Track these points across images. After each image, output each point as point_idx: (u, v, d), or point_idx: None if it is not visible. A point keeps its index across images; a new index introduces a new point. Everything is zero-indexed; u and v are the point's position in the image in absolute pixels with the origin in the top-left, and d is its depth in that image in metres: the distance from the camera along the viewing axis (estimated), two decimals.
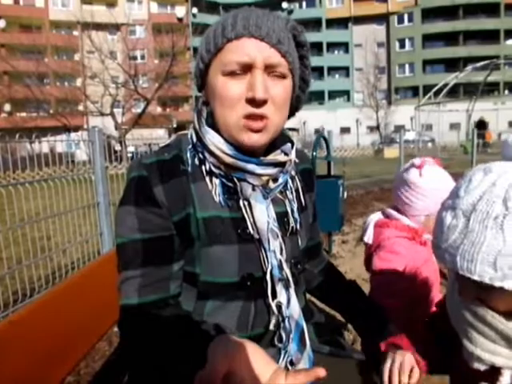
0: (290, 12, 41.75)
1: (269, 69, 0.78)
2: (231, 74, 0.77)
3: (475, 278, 0.63)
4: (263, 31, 0.76)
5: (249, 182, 0.83)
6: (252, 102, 0.77)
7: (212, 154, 0.82)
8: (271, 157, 0.85)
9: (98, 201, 3.21)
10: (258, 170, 0.83)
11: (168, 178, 0.82)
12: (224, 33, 0.77)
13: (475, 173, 0.68)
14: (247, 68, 0.77)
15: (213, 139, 0.82)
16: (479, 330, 0.71)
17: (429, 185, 1.42)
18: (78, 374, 2.10)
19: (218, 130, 0.83)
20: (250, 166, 0.82)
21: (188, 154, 0.85)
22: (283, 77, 0.80)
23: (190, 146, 0.86)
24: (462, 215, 0.65)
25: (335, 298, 1.10)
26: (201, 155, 0.84)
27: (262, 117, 0.78)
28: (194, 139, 0.86)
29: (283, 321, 0.82)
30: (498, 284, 0.62)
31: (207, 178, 0.83)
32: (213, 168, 0.83)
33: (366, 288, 1.18)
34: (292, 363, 0.83)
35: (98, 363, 2.17)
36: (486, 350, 0.71)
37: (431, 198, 1.41)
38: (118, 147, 7.85)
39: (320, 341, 0.97)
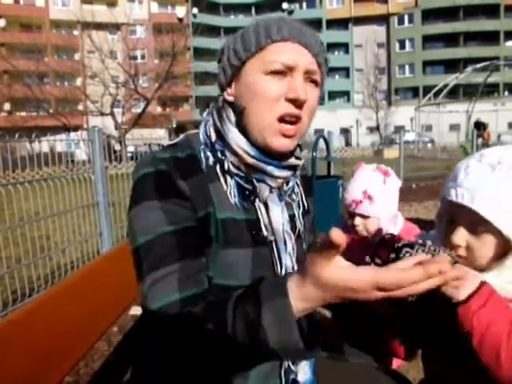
0: (291, 12, 41.77)
1: (306, 74, 0.81)
2: (273, 73, 0.80)
3: (487, 216, 0.76)
4: (308, 39, 0.81)
5: (267, 184, 0.84)
6: (293, 102, 0.79)
7: (233, 152, 0.82)
8: (290, 160, 0.87)
9: (98, 200, 3.21)
10: (276, 172, 0.84)
11: (188, 175, 0.80)
12: (269, 34, 0.80)
13: (494, 148, 0.84)
14: (289, 70, 0.80)
15: (236, 138, 0.82)
16: None
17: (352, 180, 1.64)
18: (77, 374, 2.10)
19: (242, 130, 0.83)
20: (270, 168, 0.83)
21: (202, 154, 0.84)
22: (316, 85, 0.84)
23: (203, 146, 0.85)
24: (489, 165, 0.79)
25: None
26: (219, 154, 0.83)
27: (296, 121, 0.81)
28: (213, 138, 0.85)
29: None
30: (499, 227, 0.75)
31: (222, 179, 0.83)
32: (232, 167, 0.82)
33: None
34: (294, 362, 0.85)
35: (97, 363, 2.17)
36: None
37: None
38: (117, 147, 7.85)
39: (321, 343, 0.96)
